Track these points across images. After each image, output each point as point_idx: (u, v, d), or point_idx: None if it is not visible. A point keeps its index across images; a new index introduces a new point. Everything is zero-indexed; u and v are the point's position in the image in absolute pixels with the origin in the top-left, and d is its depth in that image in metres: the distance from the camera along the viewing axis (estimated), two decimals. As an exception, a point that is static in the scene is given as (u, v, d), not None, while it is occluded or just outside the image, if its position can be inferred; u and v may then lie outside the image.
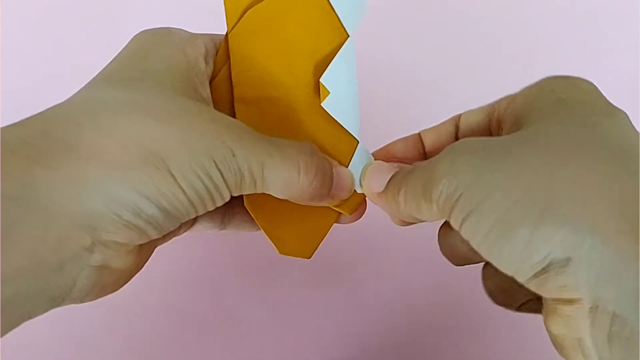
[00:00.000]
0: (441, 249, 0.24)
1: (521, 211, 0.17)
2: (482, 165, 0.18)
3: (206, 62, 0.23)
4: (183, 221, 0.20)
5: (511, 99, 0.23)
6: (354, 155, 0.25)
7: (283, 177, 0.20)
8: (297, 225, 0.24)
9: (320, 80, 0.23)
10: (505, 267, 0.18)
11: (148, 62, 0.21)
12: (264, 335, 0.35)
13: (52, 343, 0.34)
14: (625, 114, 0.20)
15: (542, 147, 0.18)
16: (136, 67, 0.21)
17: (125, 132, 0.18)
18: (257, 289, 0.36)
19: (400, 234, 0.37)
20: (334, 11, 0.23)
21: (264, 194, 0.21)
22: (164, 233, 0.20)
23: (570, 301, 0.17)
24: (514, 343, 0.36)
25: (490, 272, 0.23)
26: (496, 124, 0.23)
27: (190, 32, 0.23)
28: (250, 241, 0.37)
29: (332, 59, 0.23)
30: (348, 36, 0.24)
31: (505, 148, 0.19)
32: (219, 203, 0.20)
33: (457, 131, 0.25)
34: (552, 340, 0.19)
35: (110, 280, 0.20)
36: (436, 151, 0.24)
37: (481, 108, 0.24)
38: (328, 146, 0.24)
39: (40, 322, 0.35)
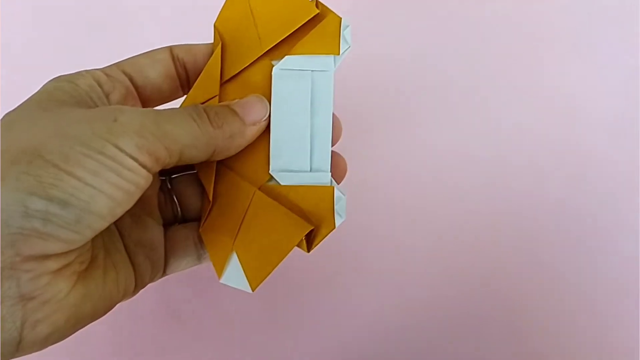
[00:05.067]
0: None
1: None
2: None
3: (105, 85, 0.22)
4: (99, 214, 0.18)
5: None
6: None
7: (184, 129, 0.20)
8: (250, 251, 0.23)
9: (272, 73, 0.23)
10: None
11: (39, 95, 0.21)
12: (263, 338, 0.35)
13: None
14: None
15: None
16: (31, 99, 0.20)
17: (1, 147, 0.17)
18: (256, 292, 0.36)
19: (398, 239, 0.37)
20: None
21: (217, 220, 0.22)
22: (83, 235, 0.18)
23: None
24: (510, 346, 0.36)
25: None
26: None
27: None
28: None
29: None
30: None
31: None
32: (139, 183, 0.19)
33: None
34: None
35: (49, 317, 0.18)
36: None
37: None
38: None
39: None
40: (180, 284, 0.36)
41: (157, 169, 0.19)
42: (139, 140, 0.18)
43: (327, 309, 0.36)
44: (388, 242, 0.37)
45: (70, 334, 0.19)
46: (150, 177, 0.19)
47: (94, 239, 0.20)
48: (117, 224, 0.23)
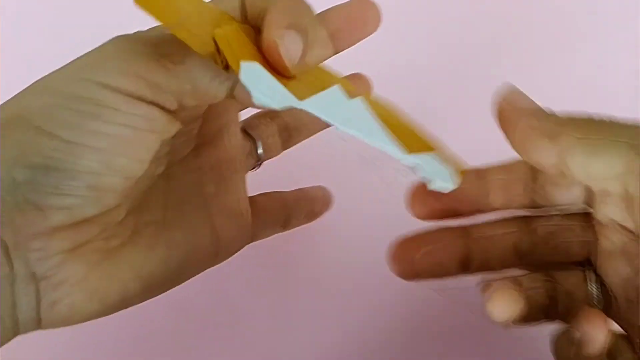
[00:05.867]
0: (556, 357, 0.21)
1: None
2: None
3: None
4: (90, 172, 0.16)
5: None
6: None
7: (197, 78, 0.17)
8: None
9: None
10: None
11: None
12: (266, 337, 0.35)
13: (52, 343, 0.34)
14: None
15: None
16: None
17: None
18: (261, 291, 0.36)
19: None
20: None
21: None
22: (86, 199, 0.16)
23: None
24: (508, 348, 0.36)
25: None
26: None
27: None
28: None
29: None
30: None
31: None
32: (120, 118, 0.16)
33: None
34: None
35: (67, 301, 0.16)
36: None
37: None
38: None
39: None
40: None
41: (161, 96, 0.16)
42: (123, 66, 0.16)
43: (332, 308, 0.36)
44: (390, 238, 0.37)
45: (108, 313, 0.18)
46: (153, 109, 0.16)
47: (133, 213, 0.18)
48: (198, 189, 0.21)
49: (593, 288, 0.21)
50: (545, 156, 0.19)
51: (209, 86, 0.17)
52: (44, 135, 0.15)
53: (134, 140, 0.16)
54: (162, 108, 0.17)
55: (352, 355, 0.35)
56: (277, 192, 0.26)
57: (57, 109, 0.15)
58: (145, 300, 0.19)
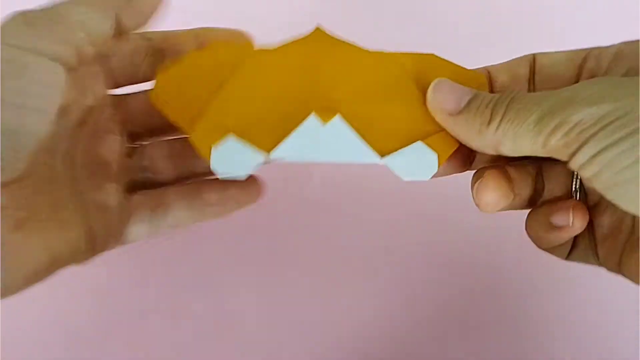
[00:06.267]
0: (528, 231, 0.23)
1: None
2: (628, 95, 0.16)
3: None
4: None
5: (616, 50, 0.21)
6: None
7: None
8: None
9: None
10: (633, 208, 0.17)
11: None
12: (263, 337, 0.35)
13: (48, 343, 0.34)
14: None
15: None
16: None
17: None
18: (256, 290, 0.36)
19: (400, 236, 0.37)
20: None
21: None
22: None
23: None
24: (511, 343, 0.36)
25: (534, 221, 0.22)
26: (588, 76, 0.21)
27: None
28: (251, 240, 0.36)
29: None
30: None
31: None
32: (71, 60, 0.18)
33: (531, 75, 0.23)
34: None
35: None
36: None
37: (563, 53, 0.22)
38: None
39: (36, 322, 0.35)
40: (178, 284, 0.36)
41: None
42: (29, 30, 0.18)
43: (329, 307, 0.36)
44: (389, 239, 0.37)
45: (13, 291, 0.19)
46: (57, 65, 0.18)
47: (35, 194, 0.19)
48: (72, 183, 0.22)
49: (578, 182, 0.23)
50: (482, 146, 0.20)
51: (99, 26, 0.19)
52: None
53: (42, 94, 0.18)
54: (65, 63, 0.18)
55: (351, 355, 0.35)
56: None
57: None
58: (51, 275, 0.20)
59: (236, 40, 0.23)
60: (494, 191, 0.21)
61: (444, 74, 0.22)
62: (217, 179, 0.24)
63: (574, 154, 0.17)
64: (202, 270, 0.36)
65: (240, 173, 0.21)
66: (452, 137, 0.21)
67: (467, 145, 0.21)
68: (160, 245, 0.36)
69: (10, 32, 0.18)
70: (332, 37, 0.23)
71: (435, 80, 0.21)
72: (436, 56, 0.23)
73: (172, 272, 0.36)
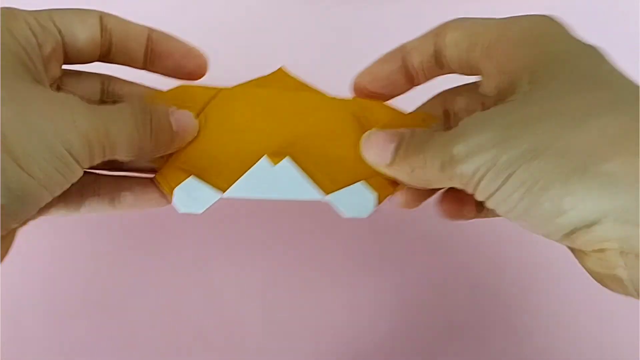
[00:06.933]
0: (442, 206, 0.25)
1: (549, 181, 0.18)
2: (503, 143, 0.18)
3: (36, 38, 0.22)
4: (40, 206, 0.20)
5: (489, 43, 0.22)
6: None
7: (127, 135, 0.21)
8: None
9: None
10: (535, 230, 0.19)
11: None
12: (263, 337, 0.35)
13: (45, 346, 0.34)
14: (597, 47, 0.21)
15: (558, 115, 0.18)
16: None
17: None
18: (256, 290, 0.36)
19: (397, 235, 0.37)
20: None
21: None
22: (23, 220, 0.20)
23: (601, 250, 0.18)
24: (511, 343, 0.36)
25: (449, 198, 0.25)
26: (474, 64, 0.23)
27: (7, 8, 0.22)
28: (251, 240, 0.37)
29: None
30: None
31: (522, 120, 0.19)
32: (72, 180, 0.20)
33: (437, 56, 0.24)
34: (589, 273, 0.20)
35: None
36: (421, 75, 0.25)
37: (457, 40, 0.23)
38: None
39: (33, 326, 0.35)
40: (176, 285, 0.36)
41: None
42: (87, 145, 0.20)
43: (326, 307, 0.36)
44: (389, 238, 0.37)
45: None
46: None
47: None
48: None
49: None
50: (417, 185, 0.23)
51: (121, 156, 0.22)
52: (21, 172, 0.18)
53: (64, 186, 0.20)
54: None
55: (349, 356, 0.35)
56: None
57: (38, 154, 0.19)
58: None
59: (191, 59, 0.24)
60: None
61: (384, 119, 0.24)
62: (137, 177, 0.26)
63: (474, 192, 0.20)
64: (202, 270, 0.36)
65: (198, 210, 0.23)
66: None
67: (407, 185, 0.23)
68: (160, 245, 0.36)
69: None
70: (292, 78, 0.25)
71: (365, 135, 0.23)
72: (382, 103, 0.25)
73: (171, 272, 0.36)
